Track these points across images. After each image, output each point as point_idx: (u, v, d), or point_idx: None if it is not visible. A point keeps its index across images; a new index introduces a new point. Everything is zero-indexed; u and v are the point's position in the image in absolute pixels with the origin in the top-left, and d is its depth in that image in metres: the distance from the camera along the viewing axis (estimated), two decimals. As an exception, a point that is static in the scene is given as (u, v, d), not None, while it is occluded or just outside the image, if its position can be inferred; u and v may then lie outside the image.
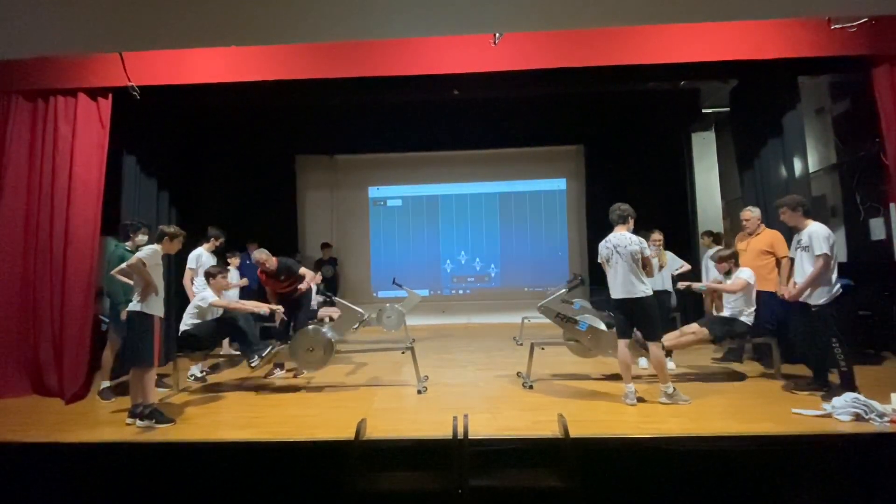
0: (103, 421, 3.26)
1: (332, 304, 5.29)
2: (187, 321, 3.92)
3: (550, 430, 2.78)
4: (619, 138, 7.00)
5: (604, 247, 3.44)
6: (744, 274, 3.73)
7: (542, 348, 4.11)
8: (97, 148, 4.19)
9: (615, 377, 3.96)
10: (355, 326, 4.06)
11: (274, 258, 4.32)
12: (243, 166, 6.95)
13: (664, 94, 5.98)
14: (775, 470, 2.61)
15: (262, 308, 4.01)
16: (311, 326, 3.82)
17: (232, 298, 4.31)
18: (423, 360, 3.86)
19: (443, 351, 5.45)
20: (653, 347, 3.32)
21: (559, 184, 7.89)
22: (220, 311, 4.08)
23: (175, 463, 2.77)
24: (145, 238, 3.90)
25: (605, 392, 3.63)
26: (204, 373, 4.49)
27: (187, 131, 5.70)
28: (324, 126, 6.90)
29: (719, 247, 5.14)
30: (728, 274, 3.83)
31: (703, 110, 6.35)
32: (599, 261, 3.49)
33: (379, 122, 6.78)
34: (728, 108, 5.56)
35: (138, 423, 3.02)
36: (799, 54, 4.01)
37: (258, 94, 4.71)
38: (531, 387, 3.75)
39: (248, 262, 5.76)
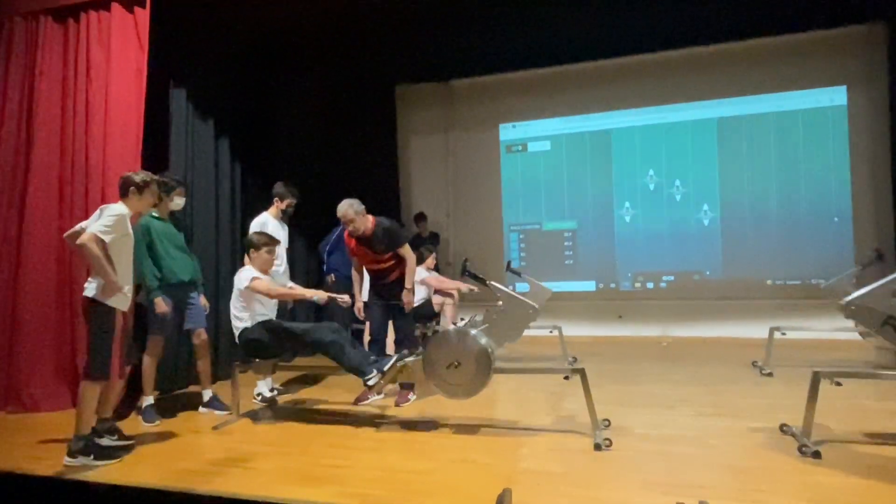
0: (146, 455, 3.27)
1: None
2: (240, 316, 3.86)
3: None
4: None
5: None
6: None
7: (838, 383, 3.18)
8: (135, 74, 4.39)
9: None
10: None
11: (370, 217, 4.13)
12: (326, 104, 7.05)
13: None
14: None
15: (319, 295, 3.84)
16: (453, 328, 3.59)
17: (280, 284, 4.18)
18: (595, 391, 3.34)
19: (626, 379, 4.91)
20: None
21: (832, 96, 6.59)
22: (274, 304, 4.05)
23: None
24: (182, 201, 3.96)
25: None
26: (274, 392, 4.51)
27: (251, 58, 5.90)
28: (433, 40, 6.73)
29: None
30: None
31: None
32: None
33: (514, 23, 6.36)
34: None
35: (67, 460, 3.01)
36: None
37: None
38: (816, 453, 2.88)
39: (338, 246, 5.76)
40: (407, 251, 4.25)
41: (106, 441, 3.25)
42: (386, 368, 3.55)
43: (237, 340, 3.93)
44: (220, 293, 5.37)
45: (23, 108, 4.56)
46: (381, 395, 4.33)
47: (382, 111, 7.57)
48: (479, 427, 3.58)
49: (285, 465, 3.04)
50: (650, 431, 3.38)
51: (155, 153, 4.67)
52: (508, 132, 7.69)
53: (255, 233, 4.09)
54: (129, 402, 4.09)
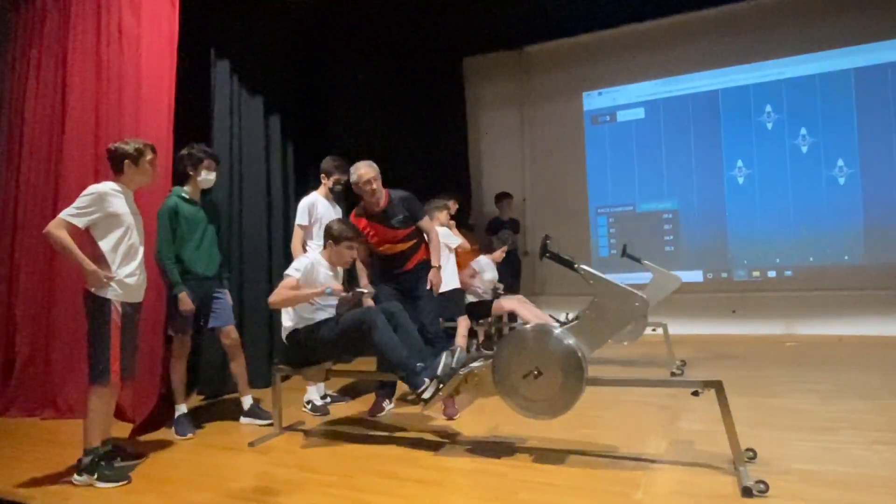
0: (162, 480, 2.77)
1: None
2: (290, 314, 3.32)
3: None
4: None
5: None
6: None
7: None
8: (167, 40, 4.00)
9: None
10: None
11: (384, 188, 3.69)
12: (388, 79, 6.79)
13: None
14: None
15: (332, 286, 3.19)
16: (530, 326, 2.94)
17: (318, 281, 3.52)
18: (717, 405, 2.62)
19: (755, 389, 4.03)
20: None
21: None
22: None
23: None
24: (211, 177, 3.53)
25: None
26: (327, 399, 4.04)
27: (303, 28, 5.58)
28: (503, 3, 6.47)
29: None
30: None
31: None
32: None
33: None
34: None
35: (75, 477, 2.68)
36: None
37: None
38: None
39: None
40: (429, 225, 3.86)
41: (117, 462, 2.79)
42: (440, 372, 2.89)
43: (284, 341, 3.41)
44: (274, 286, 4.93)
45: (57, 83, 4.33)
46: (392, 405, 3.77)
47: (449, 85, 7.28)
48: (570, 455, 2.82)
49: (322, 502, 2.42)
50: (815, 468, 2.49)
51: (198, 130, 4.36)
52: (593, 100, 7.12)
53: (339, 221, 3.51)
54: (164, 412, 3.68)
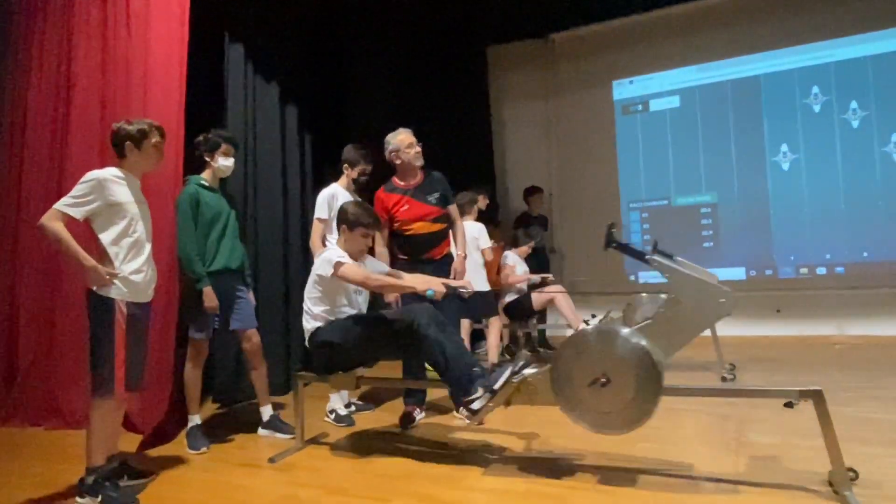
0: (189, 502, 2.50)
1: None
2: (314, 312, 2.98)
3: None
4: None
5: None
6: None
7: None
8: (177, 22, 3.76)
9: None
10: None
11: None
12: (408, 69, 6.58)
13: None
14: None
15: (434, 286, 2.84)
16: (596, 327, 2.59)
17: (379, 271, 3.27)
18: (785, 415, 2.52)
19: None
20: None
21: None
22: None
23: None
24: (229, 163, 3.28)
25: None
26: (352, 408, 3.76)
27: (322, 14, 5.40)
28: None
29: None
30: None
31: None
32: None
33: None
34: None
35: (77, 500, 2.45)
36: None
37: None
38: None
39: None
40: (456, 212, 3.78)
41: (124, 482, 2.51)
42: (498, 386, 2.53)
43: (307, 345, 3.08)
44: (291, 285, 4.73)
45: (61, 66, 4.14)
46: (422, 415, 3.54)
47: (472, 76, 6.99)
48: (639, 475, 2.49)
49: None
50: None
51: (211, 119, 4.12)
52: (624, 89, 6.79)
53: (354, 204, 3.17)
54: (176, 422, 3.41)
